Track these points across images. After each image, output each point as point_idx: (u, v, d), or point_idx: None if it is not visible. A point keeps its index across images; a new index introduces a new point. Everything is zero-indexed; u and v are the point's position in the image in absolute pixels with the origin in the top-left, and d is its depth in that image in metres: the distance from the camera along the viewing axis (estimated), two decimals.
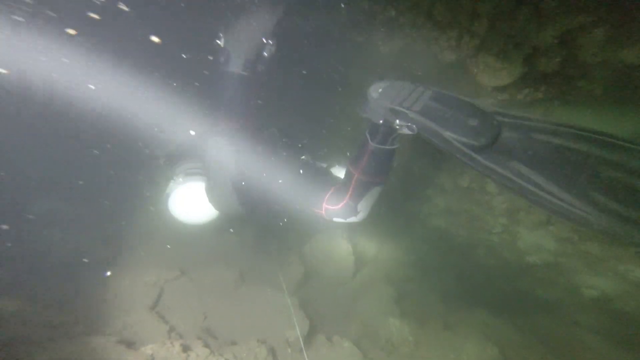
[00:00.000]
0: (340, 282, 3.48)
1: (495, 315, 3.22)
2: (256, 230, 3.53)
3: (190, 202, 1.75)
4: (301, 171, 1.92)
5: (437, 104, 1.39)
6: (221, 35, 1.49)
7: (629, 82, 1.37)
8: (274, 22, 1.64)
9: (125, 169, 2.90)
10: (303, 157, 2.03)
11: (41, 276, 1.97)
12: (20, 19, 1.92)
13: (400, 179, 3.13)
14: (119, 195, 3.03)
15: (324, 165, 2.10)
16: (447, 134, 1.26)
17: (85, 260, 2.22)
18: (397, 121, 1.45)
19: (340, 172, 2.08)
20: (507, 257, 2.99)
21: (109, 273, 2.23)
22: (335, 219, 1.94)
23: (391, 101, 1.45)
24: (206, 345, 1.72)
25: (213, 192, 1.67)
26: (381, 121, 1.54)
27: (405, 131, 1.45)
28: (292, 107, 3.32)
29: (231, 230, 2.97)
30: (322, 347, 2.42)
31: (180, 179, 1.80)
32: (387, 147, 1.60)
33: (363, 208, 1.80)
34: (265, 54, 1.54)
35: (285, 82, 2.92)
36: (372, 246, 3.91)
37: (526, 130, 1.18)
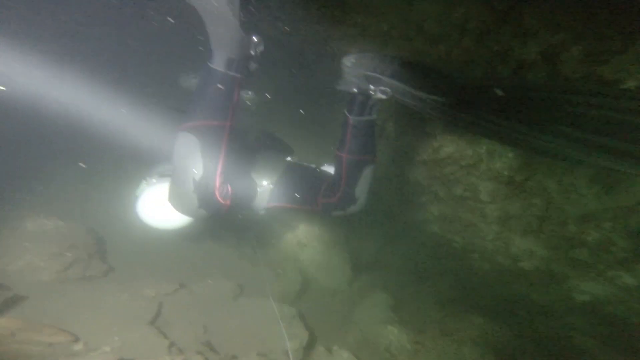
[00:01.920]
0: (337, 290, 3.43)
1: (492, 320, 3.19)
2: (253, 240, 3.49)
3: (158, 206, 1.60)
4: (289, 171, 1.86)
5: (405, 70, 1.50)
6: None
7: (606, 94, 1.41)
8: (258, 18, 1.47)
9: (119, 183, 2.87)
10: (289, 158, 1.99)
11: (32, 293, 1.91)
12: None
13: (396, 186, 3.13)
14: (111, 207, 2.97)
15: (312, 165, 2.05)
16: (419, 93, 1.40)
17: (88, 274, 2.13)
18: (371, 86, 1.51)
19: (330, 170, 2.00)
20: (502, 263, 2.99)
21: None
22: (335, 214, 1.85)
23: (365, 68, 1.51)
24: None
25: (173, 193, 1.52)
26: (355, 90, 1.57)
27: (380, 95, 1.52)
28: (281, 110, 3.30)
29: (210, 281, 2.77)
30: (321, 358, 2.36)
31: (154, 180, 1.69)
32: (366, 117, 1.62)
33: (360, 193, 1.76)
34: (253, 52, 1.35)
35: (276, 83, 2.88)
36: (370, 253, 3.88)
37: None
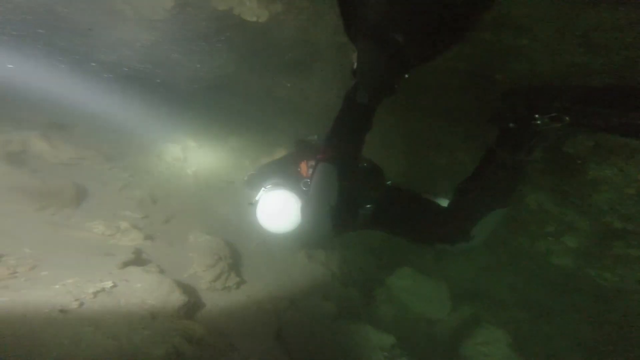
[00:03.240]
0: (435, 320, 3.00)
1: None
2: (340, 259, 3.46)
3: (277, 208, 1.66)
4: (390, 195, 1.71)
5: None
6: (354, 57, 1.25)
7: None
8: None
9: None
10: (389, 182, 1.84)
11: (198, 300, 2.40)
12: None
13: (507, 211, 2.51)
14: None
15: (414, 191, 1.80)
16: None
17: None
18: (537, 115, 1.16)
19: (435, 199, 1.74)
20: None
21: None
22: (439, 246, 1.61)
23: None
24: None
25: (309, 216, 1.57)
26: (512, 124, 1.24)
27: (553, 124, 1.15)
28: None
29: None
30: None
31: (269, 186, 1.77)
32: (521, 157, 1.27)
33: (479, 233, 1.46)
34: (396, 85, 1.27)
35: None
36: (469, 281, 3.26)
37: None
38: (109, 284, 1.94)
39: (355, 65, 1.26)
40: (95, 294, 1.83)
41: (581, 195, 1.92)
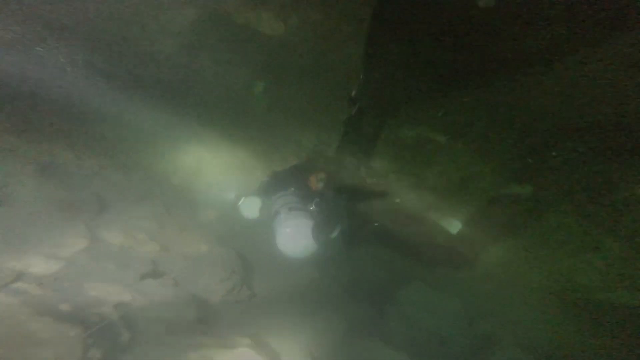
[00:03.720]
0: (448, 338, 2.85)
1: None
2: (350, 274, 3.37)
3: (296, 238, 1.75)
4: (402, 216, 1.84)
5: None
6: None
7: None
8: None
9: None
10: (397, 200, 1.91)
11: (209, 312, 2.38)
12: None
13: (535, 231, 2.39)
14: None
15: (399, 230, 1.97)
16: None
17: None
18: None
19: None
20: None
21: None
22: (443, 270, 1.70)
23: None
24: None
25: (320, 238, 1.66)
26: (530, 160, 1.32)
27: (569, 156, 1.23)
28: None
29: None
30: None
31: (286, 210, 1.83)
32: (542, 192, 1.38)
33: (486, 260, 1.55)
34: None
35: None
36: (484, 299, 3.10)
37: None
38: (127, 297, 1.96)
39: (354, 93, 1.30)
40: (115, 306, 1.86)
41: (611, 215, 1.81)
